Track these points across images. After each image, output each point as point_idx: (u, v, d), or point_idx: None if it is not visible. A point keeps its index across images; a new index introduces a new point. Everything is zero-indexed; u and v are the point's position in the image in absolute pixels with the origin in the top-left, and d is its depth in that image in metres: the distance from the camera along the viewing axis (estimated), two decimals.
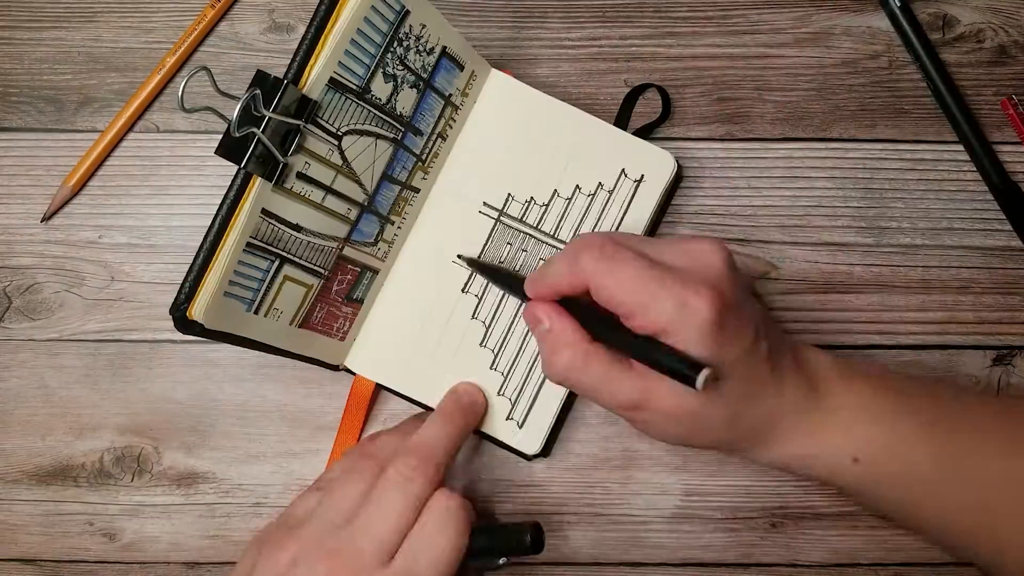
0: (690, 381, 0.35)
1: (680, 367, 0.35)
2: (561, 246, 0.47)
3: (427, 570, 0.38)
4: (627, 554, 0.47)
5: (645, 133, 0.48)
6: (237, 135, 0.36)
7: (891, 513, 0.42)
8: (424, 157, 0.45)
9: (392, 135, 0.43)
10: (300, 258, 0.41)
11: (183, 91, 0.35)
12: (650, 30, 0.50)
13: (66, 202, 0.49)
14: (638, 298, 0.37)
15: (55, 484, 0.48)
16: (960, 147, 0.49)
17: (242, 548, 0.46)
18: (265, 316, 0.41)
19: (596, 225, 0.46)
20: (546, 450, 0.47)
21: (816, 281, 0.48)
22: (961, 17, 0.50)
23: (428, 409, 0.46)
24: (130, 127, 0.49)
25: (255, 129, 0.37)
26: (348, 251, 0.44)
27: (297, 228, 0.41)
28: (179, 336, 0.48)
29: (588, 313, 0.39)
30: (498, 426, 0.46)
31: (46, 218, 0.49)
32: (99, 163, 0.49)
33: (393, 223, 0.46)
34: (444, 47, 0.43)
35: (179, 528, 0.47)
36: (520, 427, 0.46)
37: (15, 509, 0.48)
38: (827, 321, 0.48)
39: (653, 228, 0.48)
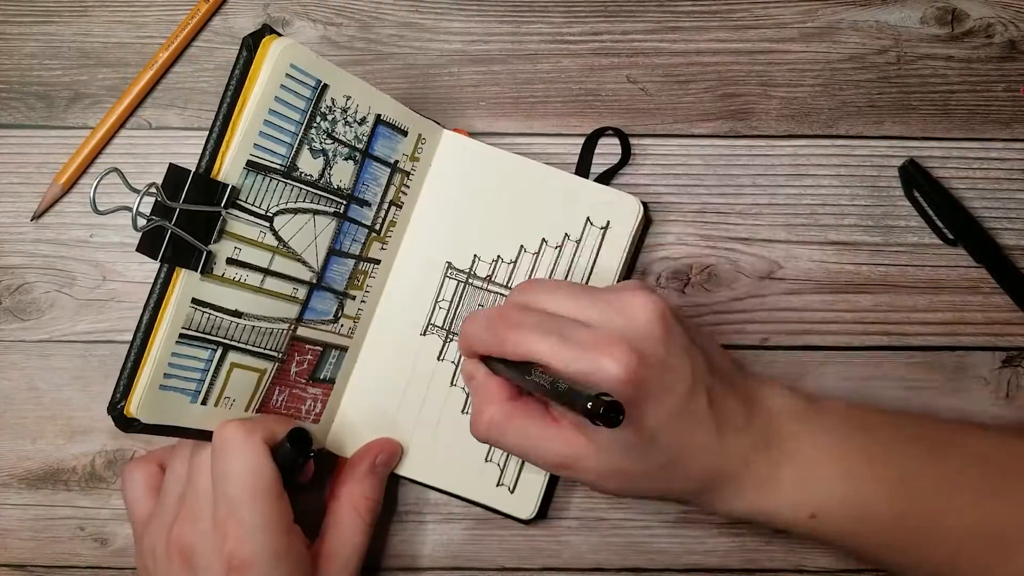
0: (594, 416, 0.32)
1: (582, 400, 0.33)
2: None
3: (246, 500, 0.38)
4: (629, 559, 0.46)
5: (606, 179, 0.47)
6: (139, 231, 0.35)
7: (855, 556, 0.42)
8: (378, 228, 0.44)
9: (332, 209, 0.42)
10: (246, 344, 0.40)
11: (95, 193, 0.34)
12: (653, 25, 0.49)
13: (57, 200, 0.48)
14: (546, 359, 0.36)
15: (45, 488, 0.47)
16: (967, 144, 0.48)
17: None
18: (216, 406, 0.40)
19: (567, 276, 0.45)
20: (542, 511, 0.45)
21: (822, 281, 0.47)
22: (970, 11, 0.49)
23: (420, 484, 0.45)
24: (122, 124, 0.48)
25: (166, 222, 0.36)
26: (304, 331, 0.43)
27: (237, 314, 0.40)
28: None
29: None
30: (489, 493, 0.45)
31: (36, 216, 0.48)
32: (90, 160, 0.48)
33: (354, 298, 0.44)
34: (378, 115, 0.42)
35: None
36: (512, 492, 0.45)
37: (4, 514, 0.47)
38: (834, 322, 0.47)
39: (628, 271, 0.47)
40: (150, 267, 0.47)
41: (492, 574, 0.47)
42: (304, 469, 0.42)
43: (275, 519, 0.39)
